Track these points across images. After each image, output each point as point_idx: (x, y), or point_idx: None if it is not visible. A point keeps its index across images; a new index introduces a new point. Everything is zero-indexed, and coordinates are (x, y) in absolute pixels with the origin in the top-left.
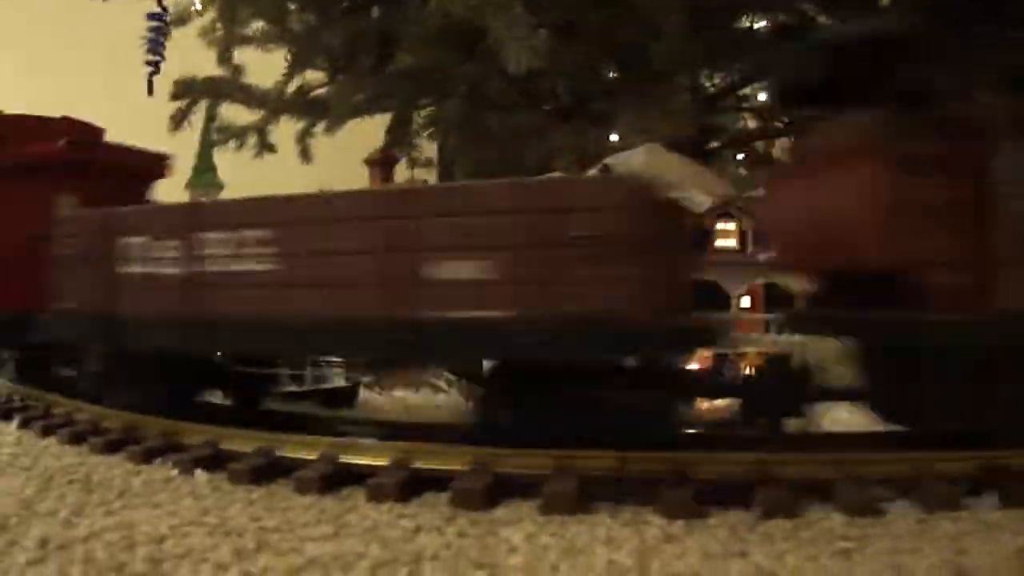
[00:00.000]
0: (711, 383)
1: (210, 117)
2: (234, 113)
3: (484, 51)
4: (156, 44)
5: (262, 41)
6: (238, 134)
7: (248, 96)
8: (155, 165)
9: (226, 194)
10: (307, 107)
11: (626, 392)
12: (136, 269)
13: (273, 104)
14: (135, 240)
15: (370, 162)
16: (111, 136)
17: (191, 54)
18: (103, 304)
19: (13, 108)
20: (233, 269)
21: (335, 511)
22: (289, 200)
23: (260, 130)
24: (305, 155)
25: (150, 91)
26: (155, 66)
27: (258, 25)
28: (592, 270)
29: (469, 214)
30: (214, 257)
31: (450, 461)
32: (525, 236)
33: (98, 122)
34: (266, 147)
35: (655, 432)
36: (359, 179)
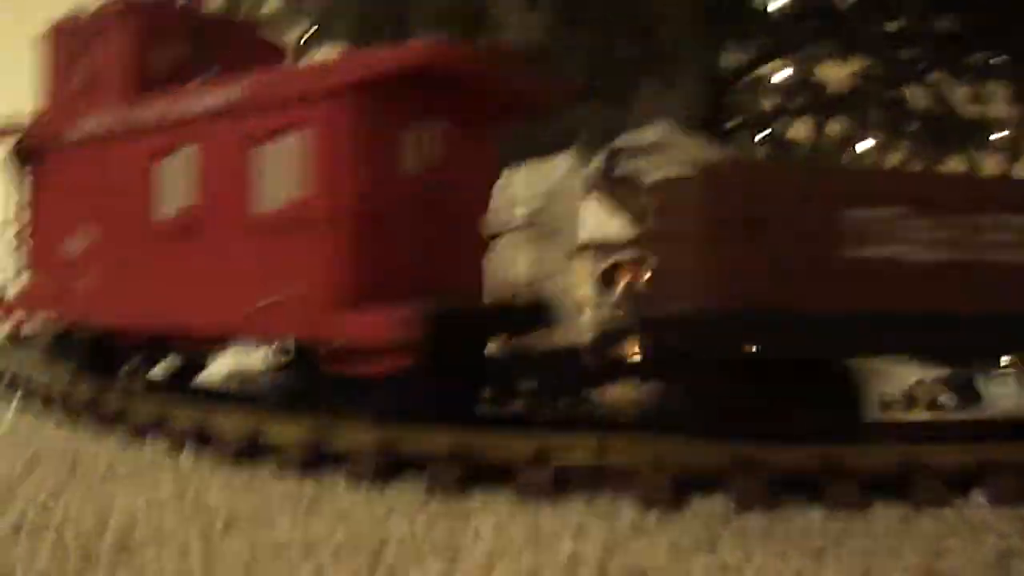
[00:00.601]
0: None
1: None
2: None
3: (490, 30)
4: None
5: (275, 19)
6: None
7: None
8: (544, 92)
9: None
10: None
11: None
12: (879, 251)
13: None
14: (881, 213)
15: None
16: None
17: None
18: (816, 299)
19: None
20: None
21: (312, 493)
22: None
23: None
24: None
25: None
26: None
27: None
28: None
29: None
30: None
31: (429, 445)
32: None
33: None
34: None
35: None
36: None
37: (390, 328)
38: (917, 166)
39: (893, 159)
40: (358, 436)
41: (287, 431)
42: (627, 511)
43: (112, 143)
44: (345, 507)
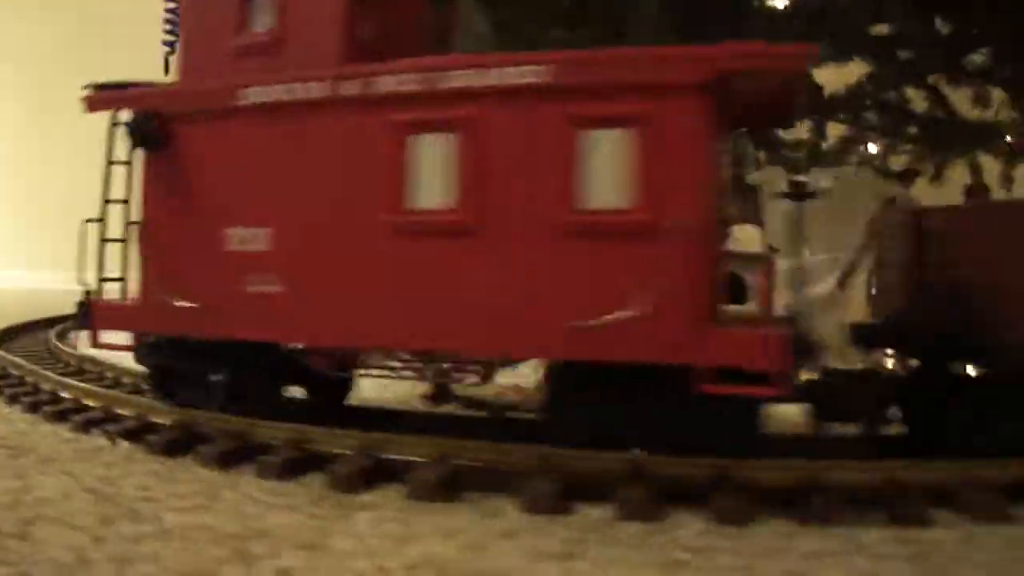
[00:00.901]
0: None
1: None
2: None
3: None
4: (174, 24)
5: None
6: None
7: None
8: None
9: None
10: None
11: None
12: None
13: None
14: None
15: None
16: None
17: None
18: None
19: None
20: None
21: (221, 485)
22: None
23: None
24: None
25: (166, 70)
26: (171, 45)
27: None
28: None
29: None
30: None
31: (337, 444)
32: None
33: None
34: None
35: None
36: None
37: (766, 351)
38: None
39: (896, 162)
40: (273, 432)
41: (215, 425)
42: (512, 513)
43: (322, 116)
44: (245, 498)
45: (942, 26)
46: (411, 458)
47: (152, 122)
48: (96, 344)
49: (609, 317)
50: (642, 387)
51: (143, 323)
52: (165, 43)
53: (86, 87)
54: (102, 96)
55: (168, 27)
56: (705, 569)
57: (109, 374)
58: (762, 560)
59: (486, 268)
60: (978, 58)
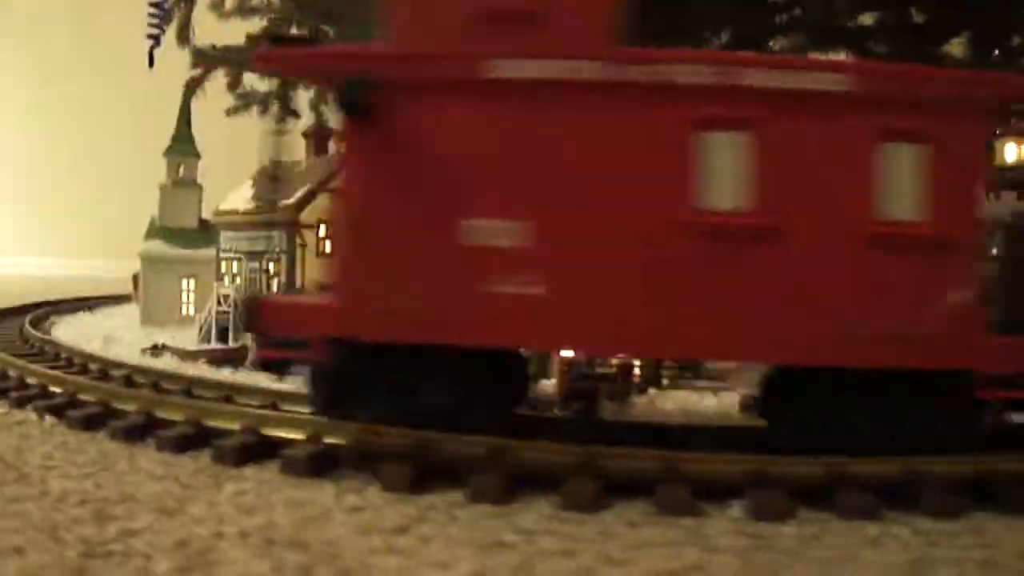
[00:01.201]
0: None
1: (189, 88)
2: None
3: None
4: (158, 19)
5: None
6: (261, 100)
7: None
8: None
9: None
10: None
11: None
12: None
13: None
14: None
15: (306, 135)
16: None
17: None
18: None
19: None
20: None
21: (119, 456)
22: None
23: (282, 97)
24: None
25: (151, 63)
26: (155, 40)
27: None
28: None
29: None
30: None
31: (229, 421)
32: None
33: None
34: (290, 112)
35: None
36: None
37: None
38: None
39: None
40: (175, 409)
41: (128, 403)
42: (371, 492)
43: (597, 100)
44: (134, 469)
45: (917, 16)
46: (289, 436)
47: (371, 89)
48: (261, 354)
49: (907, 325)
50: (892, 392)
51: (338, 326)
52: (149, 36)
53: (260, 41)
54: (286, 54)
55: (153, 21)
56: (524, 552)
57: (64, 355)
58: (589, 545)
59: (779, 273)
60: (955, 49)
